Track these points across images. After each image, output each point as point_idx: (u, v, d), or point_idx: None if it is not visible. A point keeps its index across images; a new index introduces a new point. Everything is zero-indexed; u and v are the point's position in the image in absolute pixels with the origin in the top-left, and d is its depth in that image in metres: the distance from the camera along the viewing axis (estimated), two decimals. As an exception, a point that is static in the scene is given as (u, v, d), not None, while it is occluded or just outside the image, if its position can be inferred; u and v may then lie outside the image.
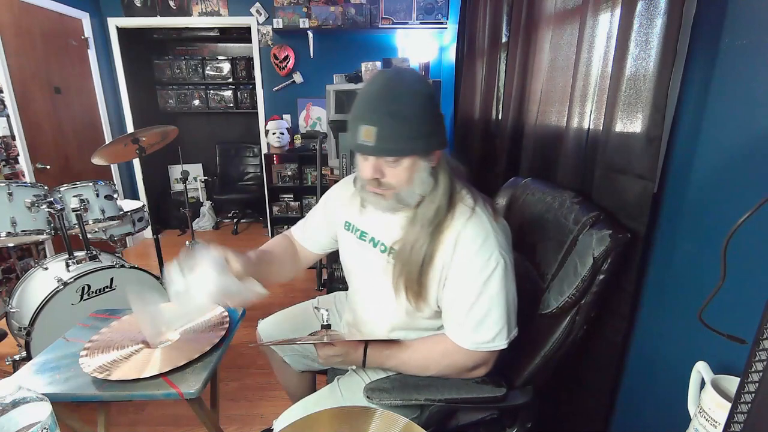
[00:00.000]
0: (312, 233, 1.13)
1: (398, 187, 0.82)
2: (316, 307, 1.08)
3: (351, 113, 0.80)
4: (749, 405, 0.45)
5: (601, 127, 1.02)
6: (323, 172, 2.78)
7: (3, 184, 1.71)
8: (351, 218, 1.01)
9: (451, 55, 3.01)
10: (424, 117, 0.78)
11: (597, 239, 0.84)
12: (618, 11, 0.94)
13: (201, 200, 4.56)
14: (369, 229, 0.97)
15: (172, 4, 3.50)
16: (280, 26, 3.35)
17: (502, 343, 0.85)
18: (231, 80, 4.42)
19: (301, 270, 1.18)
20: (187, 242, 3.01)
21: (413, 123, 0.76)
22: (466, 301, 0.84)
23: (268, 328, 1.23)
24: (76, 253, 1.81)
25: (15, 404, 0.61)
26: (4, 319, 1.81)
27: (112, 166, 3.59)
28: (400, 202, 0.84)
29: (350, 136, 0.80)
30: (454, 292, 0.85)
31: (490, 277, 0.82)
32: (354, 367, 1.03)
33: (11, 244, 1.95)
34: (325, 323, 0.93)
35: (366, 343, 0.89)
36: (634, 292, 0.92)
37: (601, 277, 0.84)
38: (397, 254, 0.88)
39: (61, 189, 1.93)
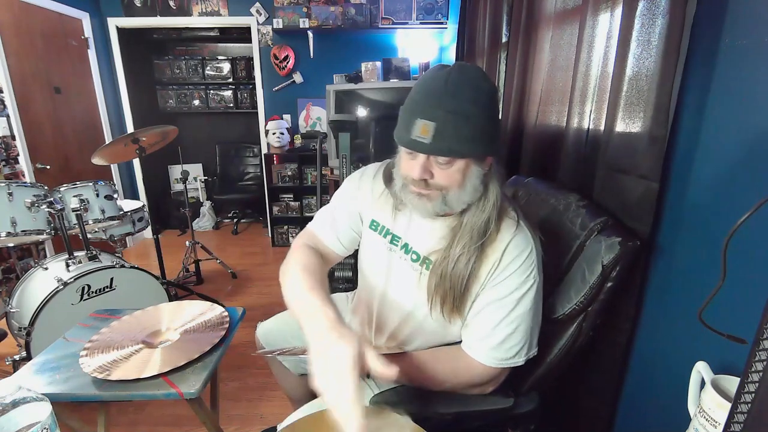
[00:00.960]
0: (343, 236, 0.99)
1: (447, 188, 0.76)
2: None
3: (405, 105, 0.75)
4: (749, 405, 0.45)
5: (601, 127, 1.02)
6: (323, 172, 2.78)
7: (3, 184, 1.72)
8: (380, 219, 0.93)
9: (451, 55, 3.01)
10: (486, 118, 0.72)
11: (606, 246, 0.82)
12: (618, 11, 0.94)
13: (201, 200, 4.56)
14: (402, 234, 0.89)
15: (172, 4, 3.50)
16: (280, 26, 3.35)
17: (520, 360, 0.81)
18: (231, 80, 4.41)
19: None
20: (187, 242, 3.02)
21: (474, 123, 0.71)
22: (495, 317, 0.79)
23: (267, 331, 1.21)
24: (76, 253, 1.81)
25: (15, 404, 0.61)
26: (4, 319, 1.81)
27: (112, 166, 3.59)
28: (447, 204, 0.78)
29: (402, 130, 0.74)
30: (484, 306, 0.80)
31: (525, 296, 0.79)
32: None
33: (11, 244, 1.95)
34: None
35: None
36: (638, 292, 0.92)
37: (609, 284, 0.83)
38: (435, 267, 0.81)
39: (61, 189, 1.93)
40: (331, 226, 0.98)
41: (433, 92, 0.71)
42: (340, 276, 2.32)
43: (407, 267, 0.88)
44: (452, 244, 0.79)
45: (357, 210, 0.97)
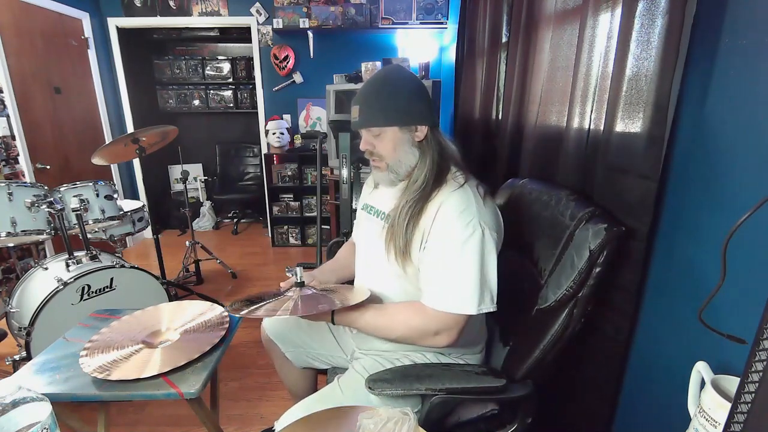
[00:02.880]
0: (355, 229, 1.26)
1: (386, 156, 0.97)
2: (287, 267, 1.11)
3: None
4: (749, 405, 0.45)
5: (602, 128, 1.02)
6: (323, 172, 2.78)
7: (3, 184, 1.72)
8: (366, 200, 1.17)
9: (451, 55, 3.01)
10: (400, 95, 0.94)
11: (593, 233, 0.85)
12: (618, 11, 0.94)
13: (201, 200, 4.56)
14: (375, 203, 1.10)
15: (172, 4, 3.50)
16: (280, 26, 3.35)
17: (470, 310, 0.86)
18: (231, 80, 4.41)
19: None
20: (187, 242, 3.02)
21: (388, 99, 0.94)
22: (440, 263, 0.89)
23: (273, 323, 1.25)
24: (76, 253, 1.81)
25: (15, 404, 0.61)
26: (4, 319, 1.81)
27: (112, 166, 3.58)
28: (392, 171, 0.98)
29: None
30: (431, 255, 0.90)
31: (467, 243, 0.86)
32: (354, 366, 1.04)
33: (11, 244, 1.95)
34: (299, 281, 1.02)
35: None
36: (636, 292, 0.92)
37: (598, 269, 0.85)
38: (390, 219, 0.97)
39: (61, 189, 1.93)
40: (355, 226, 1.28)
41: (361, 87, 0.99)
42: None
43: (375, 225, 1.05)
44: (402, 198, 0.96)
45: (361, 204, 1.20)
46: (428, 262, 0.91)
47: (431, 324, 0.89)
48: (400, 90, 0.95)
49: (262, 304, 0.94)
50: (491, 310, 0.89)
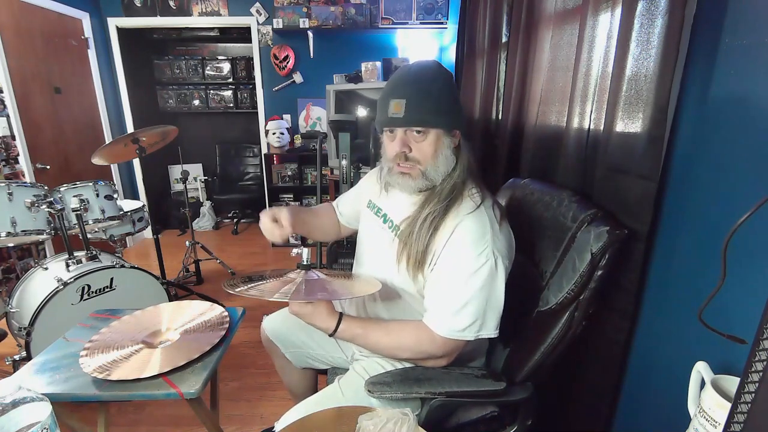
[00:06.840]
0: (343, 205, 1.25)
1: (424, 162, 0.88)
2: (295, 249, 1.04)
3: (379, 98, 0.89)
4: (749, 405, 0.45)
5: (602, 128, 1.02)
6: (323, 172, 2.78)
7: (3, 184, 1.71)
8: (373, 198, 1.10)
9: (451, 55, 3.01)
10: (446, 96, 0.86)
11: (595, 235, 0.85)
12: (618, 11, 0.94)
13: (201, 200, 4.55)
14: (384, 207, 1.05)
15: (172, 4, 3.50)
16: (280, 26, 3.35)
17: (470, 335, 0.86)
18: (231, 80, 4.41)
19: (338, 236, 1.30)
20: (187, 242, 3.02)
21: (438, 99, 0.84)
22: (448, 289, 0.86)
23: (273, 323, 1.25)
24: (76, 253, 1.81)
25: (15, 404, 0.61)
26: (4, 319, 1.81)
27: (112, 166, 3.58)
28: (426, 178, 0.89)
29: (380, 115, 0.89)
30: (439, 278, 0.88)
31: (477, 272, 0.84)
32: (354, 367, 1.03)
33: (11, 244, 1.95)
34: (305, 263, 0.94)
35: (341, 314, 0.91)
36: (636, 292, 0.92)
37: (599, 272, 0.85)
38: (408, 224, 0.92)
39: (61, 189, 1.93)
40: (342, 199, 1.26)
41: (400, 79, 0.87)
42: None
43: (384, 233, 1.01)
44: (424, 207, 0.90)
45: (362, 192, 1.16)
46: (434, 283, 0.89)
47: (438, 350, 0.89)
48: (449, 89, 0.86)
49: (260, 282, 0.88)
50: (492, 336, 0.88)
